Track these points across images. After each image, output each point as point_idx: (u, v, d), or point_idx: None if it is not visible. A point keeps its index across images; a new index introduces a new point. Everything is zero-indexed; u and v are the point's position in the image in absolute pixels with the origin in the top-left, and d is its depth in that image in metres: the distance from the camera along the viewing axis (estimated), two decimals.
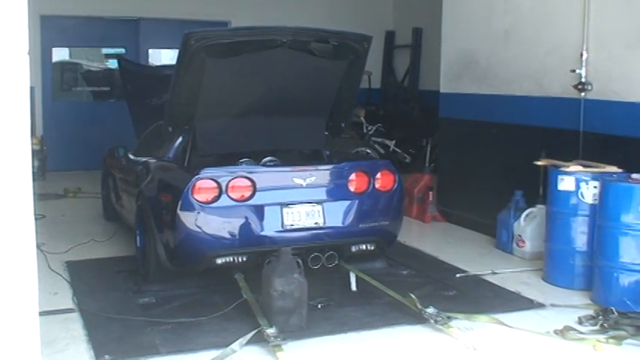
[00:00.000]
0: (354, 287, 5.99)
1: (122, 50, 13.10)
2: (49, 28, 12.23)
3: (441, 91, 9.08)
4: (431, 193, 8.95)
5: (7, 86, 2.55)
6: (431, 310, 5.14)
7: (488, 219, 7.78)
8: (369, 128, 12.61)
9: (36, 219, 2.93)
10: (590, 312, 5.39)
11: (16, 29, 2.53)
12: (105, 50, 13.80)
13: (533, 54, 7.45)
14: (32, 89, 11.43)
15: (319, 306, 5.50)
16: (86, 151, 11.75)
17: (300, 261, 5.24)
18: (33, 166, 2.86)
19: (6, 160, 2.71)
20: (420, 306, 5.20)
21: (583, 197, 5.99)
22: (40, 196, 8.74)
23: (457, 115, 8.76)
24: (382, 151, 12.21)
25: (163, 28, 13.04)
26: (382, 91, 14.21)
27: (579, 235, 6.06)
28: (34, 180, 2.86)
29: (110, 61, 13.70)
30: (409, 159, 12.24)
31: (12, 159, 2.66)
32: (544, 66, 7.32)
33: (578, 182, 6.00)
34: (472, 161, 8.41)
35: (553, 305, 5.67)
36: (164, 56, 13.81)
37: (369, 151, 11.72)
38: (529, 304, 5.71)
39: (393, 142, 12.51)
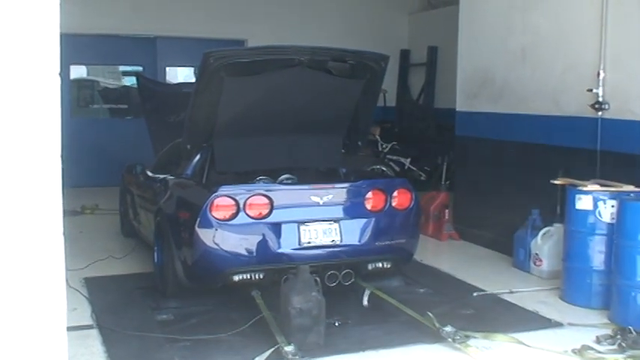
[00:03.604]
0: (365, 302, 5.99)
1: (139, 68, 13.19)
2: (67, 46, 11.99)
3: (457, 109, 9.09)
4: (447, 211, 8.94)
5: (39, 107, 2.60)
6: (449, 328, 5.12)
7: (504, 237, 7.76)
8: (384, 146, 12.61)
9: None
10: (608, 331, 5.36)
11: (48, 51, 2.59)
12: (122, 68, 13.92)
13: (550, 73, 7.46)
14: None
15: (336, 324, 5.49)
16: (103, 167, 11.84)
17: (317, 279, 5.26)
18: None
19: (37, 178, 2.75)
20: (437, 325, 5.18)
21: (601, 216, 5.98)
22: None
23: (473, 134, 8.77)
24: (397, 168, 12.21)
25: (180, 47, 13.15)
26: (397, 109, 14.23)
27: (597, 254, 6.04)
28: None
29: (127, 78, 13.81)
30: (424, 177, 12.22)
31: (42, 177, 2.70)
32: (561, 85, 7.32)
33: (595, 201, 6.00)
34: (488, 180, 8.40)
35: (571, 324, 5.65)
36: (180, 74, 13.93)
37: (384, 168, 11.74)
38: (547, 324, 5.69)
39: (409, 159, 12.49)
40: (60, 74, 2.64)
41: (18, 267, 2.77)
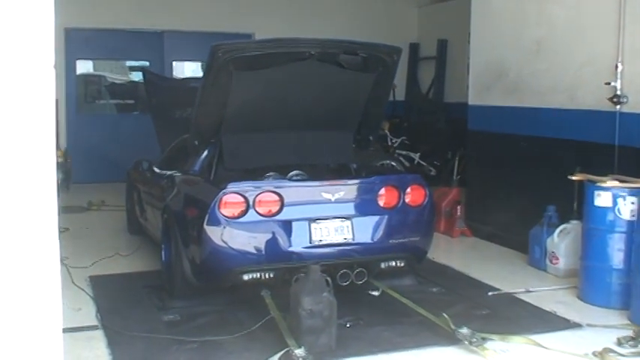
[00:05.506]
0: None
1: (146, 63, 13.09)
2: (74, 41, 12.28)
3: (470, 103, 8.94)
4: (459, 207, 8.78)
5: (33, 99, 2.48)
6: (464, 330, 4.96)
7: (518, 234, 7.60)
8: (394, 141, 12.49)
9: (59, 232, 2.84)
10: (629, 332, 5.20)
11: (42, 43, 2.47)
12: (129, 63, 13.83)
13: (567, 65, 7.30)
14: (56, 102, 11.49)
15: (348, 325, 5.34)
16: (109, 163, 11.75)
17: (328, 279, 5.10)
18: (57, 179, 2.78)
19: (31, 173, 2.63)
20: (453, 326, 5.01)
21: (620, 213, 5.82)
22: (63, 209, 8.66)
23: (486, 128, 8.61)
24: (407, 163, 12.07)
25: (187, 41, 13.07)
26: (406, 103, 14.10)
27: (616, 252, 5.88)
28: (57, 193, 2.77)
29: (133, 73, 13.71)
30: (434, 172, 12.08)
31: (37, 172, 2.58)
32: (578, 78, 7.17)
33: (615, 198, 5.83)
34: (502, 175, 8.25)
35: (590, 325, 5.48)
36: (187, 68, 13.83)
37: (394, 163, 11.58)
38: (565, 325, 5.52)
39: (418, 154, 12.38)
40: (54, 66, 2.50)
41: (12, 266, 2.64)
